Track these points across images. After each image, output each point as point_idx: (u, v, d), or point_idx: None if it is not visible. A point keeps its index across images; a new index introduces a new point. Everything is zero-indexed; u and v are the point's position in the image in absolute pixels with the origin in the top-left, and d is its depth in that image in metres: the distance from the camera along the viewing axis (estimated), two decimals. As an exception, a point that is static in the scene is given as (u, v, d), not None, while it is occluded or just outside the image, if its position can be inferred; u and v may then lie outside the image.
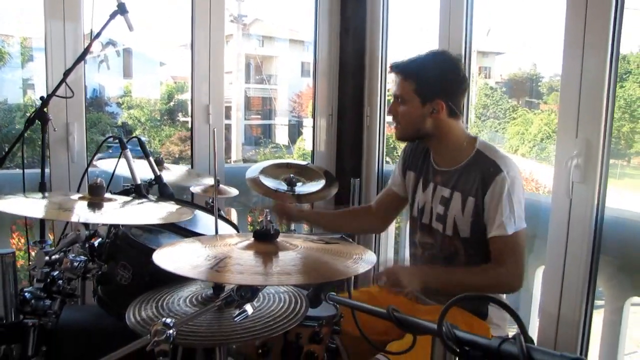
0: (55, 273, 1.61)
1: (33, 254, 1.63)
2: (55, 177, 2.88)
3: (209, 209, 2.27)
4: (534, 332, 2.34)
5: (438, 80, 1.88)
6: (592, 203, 2.01)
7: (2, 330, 1.35)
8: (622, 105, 6.09)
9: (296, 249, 1.21)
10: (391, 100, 1.98)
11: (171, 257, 1.21)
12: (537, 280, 2.43)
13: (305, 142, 11.79)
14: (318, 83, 3.54)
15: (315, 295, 1.46)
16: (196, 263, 1.13)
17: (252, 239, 1.21)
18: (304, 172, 3.00)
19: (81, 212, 1.47)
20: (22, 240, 3.76)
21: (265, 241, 1.19)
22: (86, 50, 2.46)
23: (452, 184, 1.91)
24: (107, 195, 1.55)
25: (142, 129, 11.25)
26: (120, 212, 1.54)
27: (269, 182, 2.86)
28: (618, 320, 2.11)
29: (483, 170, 1.81)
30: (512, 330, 2.55)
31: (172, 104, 12.16)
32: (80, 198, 1.53)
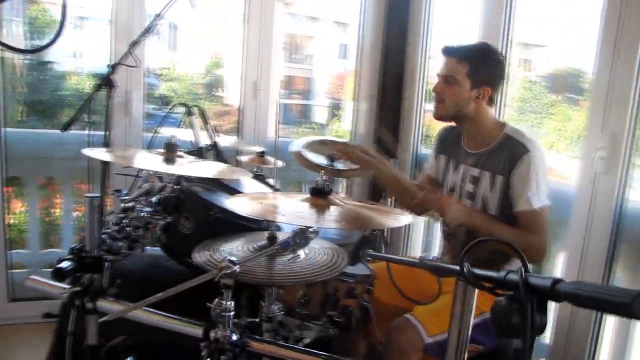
0: (125, 221, 1.85)
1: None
2: (114, 139, 3.12)
3: (255, 175, 2.49)
4: (549, 316, 2.49)
5: (489, 68, 2.05)
6: (614, 193, 2.15)
7: (89, 262, 1.59)
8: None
9: (344, 205, 1.42)
10: (437, 80, 2.11)
11: (245, 206, 1.42)
12: (558, 267, 2.59)
13: (342, 124, 11.90)
14: (361, 65, 3.70)
15: (355, 253, 1.67)
16: (267, 210, 1.34)
17: (309, 194, 1.42)
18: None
19: (160, 164, 1.70)
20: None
21: (319, 196, 1.40)
22: (152, 24, 2.68)
23: (480, 165, 2.08)
24: (179, 152, 1.77)
25: (179, 102, 11.50)
26: (189, 167, 1.77)
27: (311, 157, 3.06)
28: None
29: (511, 151, 1.97)
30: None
31: (209, 78, 12.37)
32: (157, 153, 1.76)
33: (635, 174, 2.17)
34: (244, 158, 2.91)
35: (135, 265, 2.25)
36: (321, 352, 1.55)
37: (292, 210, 1.34)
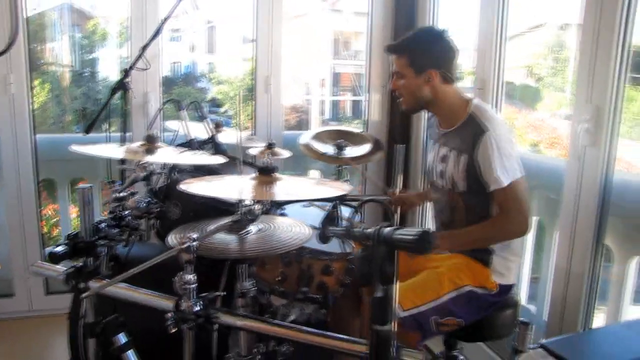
0: (126, 212, 2.02)
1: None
2: (135, 139, 3.32)
3: (251, 164, 2.61)
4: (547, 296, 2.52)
5: (427, 51, 2.10)
6: (601, 166, 2.16)
7: (82, 246, 1.75)
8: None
9: (286, 180, 1.54)
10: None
11: (201, 188, 1.56)
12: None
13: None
14: (372, 55, 3.77)
15: (323, 232, 1.76)
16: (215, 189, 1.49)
17: (257, 173, 1.54)
18: (354, 139, 3.27)
19: (140, 154, 1.86)
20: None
21: (266, 175, 1.52)
22: (159, 29, 2.84)
23: (448, 144, 2.14)
24: (159, 144, 1.92)
25: (230, 103, 11.85)
26: (171, 156, 1.92)
27: (320, 147, 3.15)
28: (622, 275, 2.27)
29: (472, 130, 2.01)
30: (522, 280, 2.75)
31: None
32: (140, 145, 1.91)
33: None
34: (254, 151, 3.04)
35: (148, 253, 2.42)
36: (288, 324, 1.66)
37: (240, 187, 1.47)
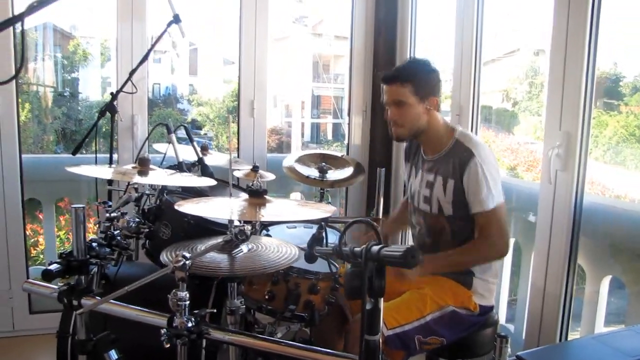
0: (117, 232, 2.06)
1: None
2: (122, 161, 3.38)
3: (238, 186, 2.68)
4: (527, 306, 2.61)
5: (430, 80, 2.18)
6: (572, 189, 2.27)
7: (75, 264, 1.79)
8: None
9: (276, 202, 1.62)
10: (389, 109, 2.22)
11: (195, 208, 1.62)
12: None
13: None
14: (353, 80, 3.88)
15: (310, 252, 1.83)
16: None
17: (247, 195, 1.62)
18: (336, 162, 3.36)
19: (133, 176, 1.92)
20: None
21: (256, 197, 1.59)
22: (148, 54, 2.92)
23: (434, 170, 2.21)
24: (152, 166, 1.98)
25: (210, 125, 11.90)
26: (162, 178, 1.98)
27: (303, 170, 3.24)
28: (595, 294, 2.37)
29: (459, 156, 2.11)
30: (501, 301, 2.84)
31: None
32: (132, 167, 1.98)
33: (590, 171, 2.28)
34: (239, 173, 3.10)
35: (135, 272, 2.47)
36: (280, 340, 1.72)
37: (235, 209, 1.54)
